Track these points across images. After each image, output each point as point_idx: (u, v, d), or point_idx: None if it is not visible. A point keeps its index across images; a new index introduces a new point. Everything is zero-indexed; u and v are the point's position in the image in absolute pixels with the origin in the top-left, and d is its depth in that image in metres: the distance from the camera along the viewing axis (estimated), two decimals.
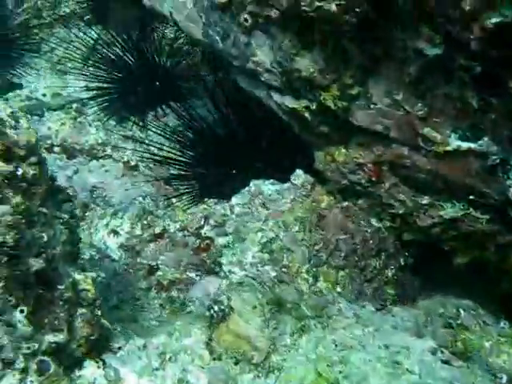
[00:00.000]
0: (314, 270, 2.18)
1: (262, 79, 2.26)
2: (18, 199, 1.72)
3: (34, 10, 4.03)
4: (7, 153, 1.76)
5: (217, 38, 2.26)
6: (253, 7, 2.11)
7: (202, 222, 2.73)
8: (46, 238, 1.79)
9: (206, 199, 2.98)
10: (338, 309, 1.98)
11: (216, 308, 1.91)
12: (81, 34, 4.04)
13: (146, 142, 3.44)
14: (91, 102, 3.77)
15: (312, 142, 2.38)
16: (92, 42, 3.97)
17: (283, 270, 2.16)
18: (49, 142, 3.23)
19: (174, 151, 3.33)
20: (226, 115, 3.25)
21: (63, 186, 2.12)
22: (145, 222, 2.87)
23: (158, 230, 2.73)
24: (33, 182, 1.82)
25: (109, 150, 3.31)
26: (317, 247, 2.22)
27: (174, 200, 3.05)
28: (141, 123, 3.68)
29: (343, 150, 2.27)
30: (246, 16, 2.13)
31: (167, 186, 3.10)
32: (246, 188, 2.79)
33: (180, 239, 2.72)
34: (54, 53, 4.00)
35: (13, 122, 1.84)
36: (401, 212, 2.17)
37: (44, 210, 1.83)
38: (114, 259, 2.84)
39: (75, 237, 2.05)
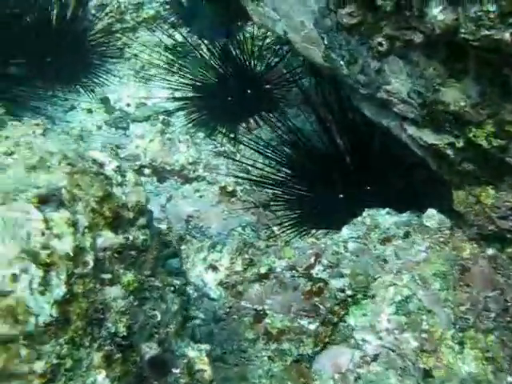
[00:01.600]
0: (460, 335, 1.85)
1: (395, 110, 1.92)
2: (129, 276, 1.45)
3: (116, 14, 3.77)
4: (116, 220, 1.49)
5: (341, 62, 1.93)
6: (390, 30, 1.77)
7: (312, 261, 2.43)
8: (159, 317, 1.53)
9: (312, 230, 2.69)
10: None
11: None
12: (165, 38, 3.76)
13: (240, 160, 3.16)
14: (178, 113, 3.50)
15: (450, 180, 2.04)
16: (177, 45, 3.68)
17: (423, 335, 1.84)
18: (138, 162, 2.99)
19: (270, 170, 3.05)
20: (330, 129, 2.92)
21: (168, 241, 1.85)
22: (246, 257, 2.59)
23: (263, 270, 2.44)
24: (143, 248, 1.55)
25: (201, 170, 3.05)
26: (462, 308, 1.88)
27: (275, 229, 2.76)
28: (231, 135, 3.39)
29: (492, 192, 1.92)
30: (380, 39, 1.80)
31: (267, 212, 2.80)
32: (359, 218, 2.49)
33: (288, 280, 2.42)
34: (138, 58, 3.73)
35: (119, 178, 1.57)
36: None
37: (156, 282, 1.56)
38: (213, 298, 2.57)
39: (185, 301, 1.78)
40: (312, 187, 2.88)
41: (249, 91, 3.37)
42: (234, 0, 2.27)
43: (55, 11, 3.56)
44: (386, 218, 2.46)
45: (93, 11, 3.79)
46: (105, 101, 3.55)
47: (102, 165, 1.59)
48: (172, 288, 1.67)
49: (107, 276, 1.39)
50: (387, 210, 2.47)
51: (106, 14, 3.77)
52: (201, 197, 2.83)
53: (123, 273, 1.44)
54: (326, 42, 1.93)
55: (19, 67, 3.35)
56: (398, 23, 1.74)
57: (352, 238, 2.42)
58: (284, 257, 2.56)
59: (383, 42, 1.79)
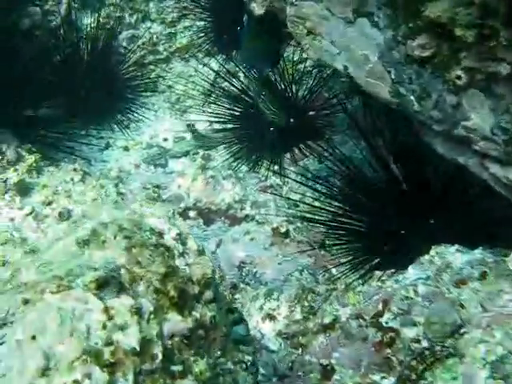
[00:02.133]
0: None
1: (475, 147, 1.72)
2: (201, 365, 1.27)
3: (149, 46, 3.62)
4: (181, 298, 1.31)
5: (411, 97, 1.73)
6: (471, 61, 1.57)
7: (380, 308, 2.22)
8: None
9: (375, 271, 2.49)
10: None
11: None
12: (200, 67, 3.60)
13: (288, 195, 2.98)
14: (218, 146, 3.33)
15: None
16: (213, 74, 3.52)
17: None
18: (182, 205, 2.81)
19: (321, 204, 2.86)
20: (383, 155, 2.72)
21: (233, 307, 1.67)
22: (305, 304, 2.40)
23: (327, 320, 2.25)
24: (211, 326, 1.37)
25: (248, 208, 2.86)
26: None
27: (334, 270, 2.56)
28: (276, 167, 3.21)
29: None
30: (458, 72, 1.60)
31: (324, 252, 2.61)
32: (426, 256, 2.29)
33: (356, 331, 2.22)
34: (173, 90, 3.58)
35: (180, 248, 1.40)
36: None
37: (228, 364, 1.38)
38: (273, 350, 2.38)
39: (256, 375, 1.60)
40: (369, 222, 2.68)
41: (291, 119, 3.17)
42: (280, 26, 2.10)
43: (85, 46, 3.42)
44: (456, 256, 2.25)
45: (124, 43, 3.64)
46: (141, 137, 3.38)
47: (161, 234, 1.42)
48: (243, 365, 1.49)
49: (178, 368, 1.21)
50: (456, 246, 2.27)
51: (138, 46, 3.62)
52: (252, 239, 2.64)
53: (194, 360, 1.26)
54: (393, 77, 1.74)
55: (51, 107, 3.21)
56: (480, 54, 1.54)
57: (421, 279, 2.22)
58: (348, 303, 2.36)
59: (462, 75, 1.60)
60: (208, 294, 1.38)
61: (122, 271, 1.25)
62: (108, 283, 1.21)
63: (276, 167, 3.18)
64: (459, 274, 2.14)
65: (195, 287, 1.36)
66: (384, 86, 1.78)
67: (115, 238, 1.32)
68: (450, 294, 2.11)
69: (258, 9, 1.94)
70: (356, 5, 1.70)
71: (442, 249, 2.27)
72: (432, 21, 1.54)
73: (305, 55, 3.27)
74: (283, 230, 2.61)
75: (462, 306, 2.05)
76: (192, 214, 2.82)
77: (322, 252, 2.63)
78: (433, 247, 2.26)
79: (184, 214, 2.81)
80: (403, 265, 2.34)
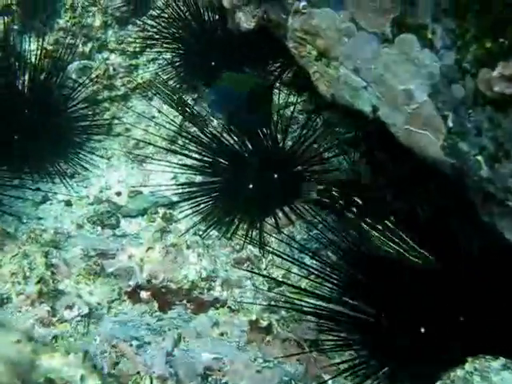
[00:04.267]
0: None
1: None
2: None
3: (104, 79, 2.98)
4: None
5: (478, 157, 1.11)
6: None
7: None
8: None
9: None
10: None
11: None
12: (165, 108, 2.96)
13: (268, 272, 2.34)
14: (183, 204, 2.67)
15: None
16: (180, 117, 2.89)
17: None
18: (132, 282, 2.14)
19: (312, 284, 2.23)
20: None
21: None
22: None
23: None
24: None
25: (218, 289, 2.20)
26: None
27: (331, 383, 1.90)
28: (254, 233, 2.56)
29: None
30: None
31: (318, 355, 1.95)
32: (459, 372, 1.68)
33: None
34: (130, 134, 2.93)
35: None
36: None
37: None
38: None
39: None
40: (376, 314, 2.03)
41: (275, 175, 2.54)
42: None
43: (25, 77, 2.77)
44: (503, 375, 1.64)
45: (74, 76, 3.00)
46: (87, 197, 2.73)
47: None
48: None
49: None
50: (502, 360, 1.65)
51: (91, 80, 2.98)
52: (222, 335, 1.97)
53: None
54: (450, 125, 1.12)
55: None
56: None
57: None
58: None
59: None
60: None
61: None
62: None
63: (254, 233, 2.53)
64: None
65: None
66: (434, 139, 1.16)
67: None
68: None
69: (246, 22, 1.33)
70: (399, 12, 1.09)
71: (482, 364, 1.65)
72: None
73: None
74: (264, 323, 1.94)
75: None
76: (144, 294, 2.15)
77: (315, 354, 1.97)
78: (469, 359, 1.65)
79: (133, 295, 2.14)
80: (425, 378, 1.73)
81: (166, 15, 2.95)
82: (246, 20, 1.40)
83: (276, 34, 1.43)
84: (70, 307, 1.98)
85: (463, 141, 1.15)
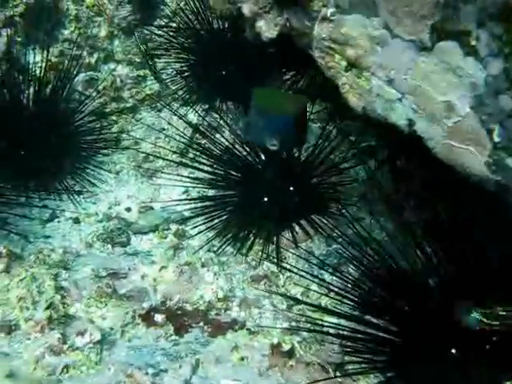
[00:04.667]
0: None
1: None
2: None
3: (111, 91, 2.89)
4: None
5: None
6: None
7: None
8: None
9: None
10: None
11: None
12: (175, 119, 2.87)
13: (286, 290, 2.24)
14: (196, 220, 2.57)
15: None
16: (191, 129, 2.79)
17: None
18: (145, 304, 2.03)
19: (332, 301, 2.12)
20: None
21: None
22: None
23: None
24: None
25: (236, 309, 2.10)
26: None
27: None
28: (271, 248, 2.46)
29: None
30: None
31: (345, 380, 1.84)
32: None
33: None
34: (139, 147, 2.84)
35: None
36: None
37: None
38: None
39: None
40: (401, 333, 1.92)
41: (291, 188, 2.44)
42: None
43: (30, 90, 2.68)
44: None
45: (80, 88, 2.91)
46: (96, 213, 2.63)
47: None
48: None
49: None
50: None
51: (98, 92, 2.88)
52: (242, 359, 1.86)
53: None
54: (496, 139, 1.01)
55: None
56: None
57: None
58: None
59: None
60: None
61: None
62: None
63: (271, 249, 2.43)
64: None
65: None
66: (477, 155, 1.05)
67: None
68: None
69: (268, 31, 1.22)
70: (439, 17, 0.98)
71: None
72: None
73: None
74: (286, 347, 1.84)
75: None
76: (159, 317, 2.05)
77: (341, 380, 1.86)
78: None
79: (148, 318, 2.04)
80: None
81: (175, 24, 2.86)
82: (267, 29, 1.30)
83: (299, 43, 1.32)
84: (81, 333, 1.87)
85: (511, 156, 1.04)
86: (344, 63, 1.17)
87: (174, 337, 1.98)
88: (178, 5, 2.90)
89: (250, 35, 1.53)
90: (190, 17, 2.82)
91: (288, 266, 2.27)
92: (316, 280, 2.10)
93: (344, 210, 2.39)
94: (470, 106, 1.05)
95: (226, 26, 2.72)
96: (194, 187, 2.66)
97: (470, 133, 1.06)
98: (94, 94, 2.88)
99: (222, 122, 2.74)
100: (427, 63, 1.06)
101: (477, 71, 1.01)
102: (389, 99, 1.14)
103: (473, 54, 1.01)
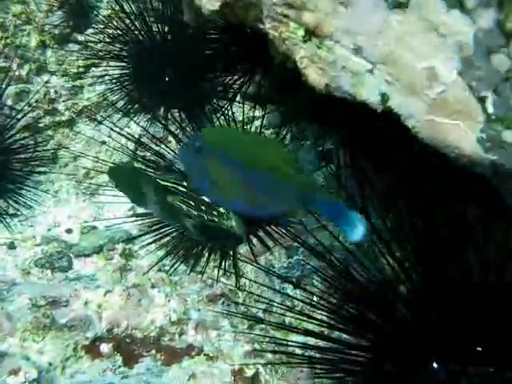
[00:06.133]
0: None
1: None
2: None
3: (45, 103, 2.65)
4: None
5: None
6: None
7: None
8: None
9: None
10: None
11: None
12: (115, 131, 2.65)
13: (245, 310, 2.04)
14: (144, 238, 2.36)
15: None
16: (134, 140, 2.58)
17: None
18: (89, 334, 1.79)
19: (298, 317, 1.92)
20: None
21: None
22: None
23: None
24: None
25: (191, 333, 1.88)
26: None
27: None
28: (227, 264, 2.27)
29: None
30: None
31: None
32: None
33: None
34: (79, 163, 2.61)
35: None
36: None
37: None
38: None
39: None
40: (373, 349, 1.74)
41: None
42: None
43: None
44: None
45: (9, 102, 2.66)
46: (34, 237, 2.39)
47: None
48: None
49: None
50: None
51: (30, 105, 2.64)
52: None
53: None
54: (490, 109, 0.83)
55: None
56: None
57: None
58: None
59: None
60: None
61: None
62: None
63: (228, 263, 2.23)
64: None
65: None
66: (467, 130, 0.86)
67: None
68: None
69: (209, 2, 1.03)
70: None
71: None
72: None
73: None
74: (250, 372, 1.63)
75: None
76: (105, 347, 1.82)
77: None
78: None
79: (92, 350, 1.80)
80: None
81: (110, 29, 2.64)
82: (209, 0, 1.11)
83: (245, 18, 1.13)
84: (14, 372, 1.63)
85: (509, 128, 0.87)
86: (301, 32, 0.98)
87: (122, 368, 1.75)
88: (113, 9, 2.68)
89: (188, 18, 1.34)
90: (127, 21, 2.61)
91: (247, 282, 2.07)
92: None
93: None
94: (458, 72, 0.87)
95: (166, 29, 2.52)
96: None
97: (457, 104, 0.89)
98: (26, 107, 2.64)
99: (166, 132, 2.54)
100: (402, 23, 0.88)
101: (464, 27, 0.83)
102: (357, 72, 0.95)
103: (458, 6, 0.83)
